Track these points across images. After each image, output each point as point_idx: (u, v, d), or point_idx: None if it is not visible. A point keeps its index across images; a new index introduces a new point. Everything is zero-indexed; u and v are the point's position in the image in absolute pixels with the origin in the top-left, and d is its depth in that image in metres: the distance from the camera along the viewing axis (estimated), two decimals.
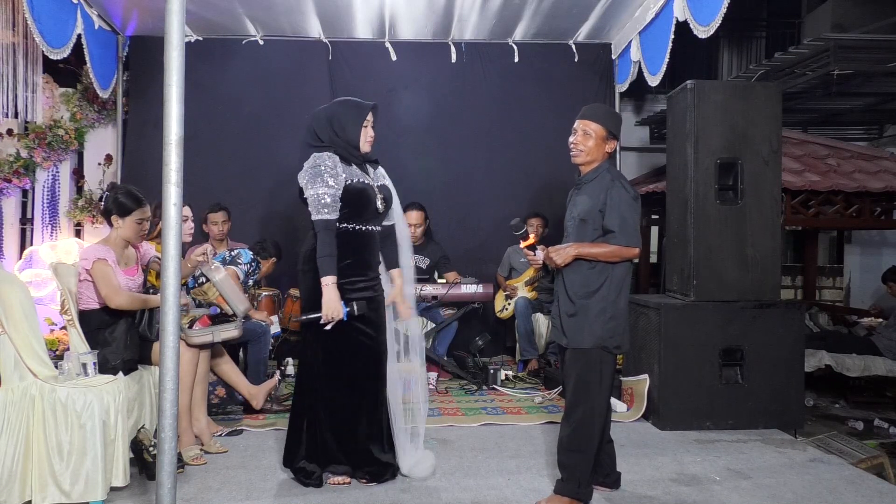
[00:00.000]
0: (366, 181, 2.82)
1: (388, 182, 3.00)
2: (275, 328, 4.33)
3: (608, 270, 2.62)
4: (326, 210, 2.70)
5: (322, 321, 2.69)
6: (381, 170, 3.01)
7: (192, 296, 3.34)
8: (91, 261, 2.98)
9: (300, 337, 3.15)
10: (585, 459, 2.61)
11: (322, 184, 2.70)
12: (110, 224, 3.12)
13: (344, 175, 2.76)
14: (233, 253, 4.05)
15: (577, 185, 2.77)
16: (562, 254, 2.61)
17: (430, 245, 5.10)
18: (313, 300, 2.75)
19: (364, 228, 2.82)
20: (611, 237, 2.60)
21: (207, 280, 3.28)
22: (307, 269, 2.80)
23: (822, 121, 7.78)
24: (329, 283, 2.67)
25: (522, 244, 2.80)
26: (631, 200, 2.62)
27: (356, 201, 2.77)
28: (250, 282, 4.05)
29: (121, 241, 3.13)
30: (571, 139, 2.74)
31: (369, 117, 2.84)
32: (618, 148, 5.55)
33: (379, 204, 2.84)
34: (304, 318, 2.80)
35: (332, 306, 2.67)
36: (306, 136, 2.85)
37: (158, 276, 3.17)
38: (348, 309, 2.70)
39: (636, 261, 8.05)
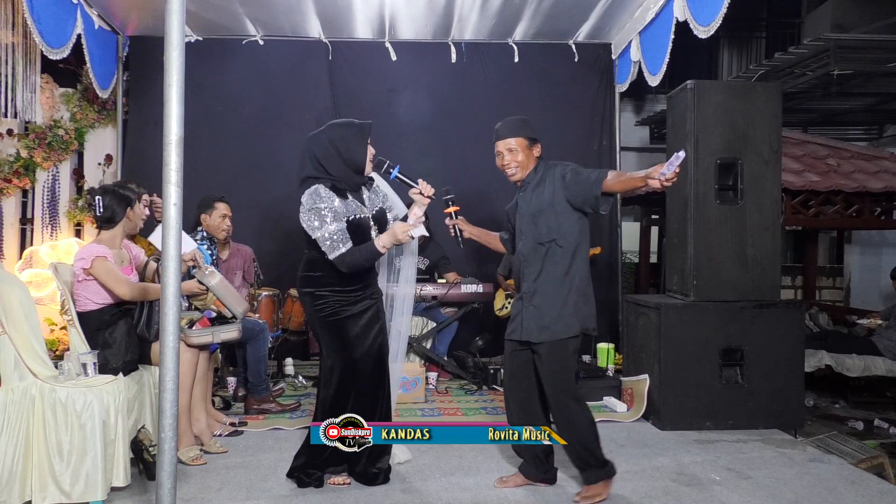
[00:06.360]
0: (361, 215, 2.78)
1: (388, 191, 3.00)
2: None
3: (576, 259, 2.71)
4: (341, 245, 2.67)
5: (411, 233, 2.72)
6: (377, 185, 2.97)
7: (191, 303, 3.32)
8: (90, 260, 2.95)
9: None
10: (593, 441, 2.67)
11: (328, 221, 2.67)
12: (110, 225, 3.09)
13: (343, 209, 2.72)
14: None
15: (521, 188, 2.82)
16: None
17: (430, 245, 5.08)
18: (311, 321, 2.85)
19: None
20: (599, 171, 2.62)
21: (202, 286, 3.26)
22: (304, 293, 2.82)
23: (822, 121, 7.78)
24: (383, 240, 2.71)
25: (445, 210, 2.86)
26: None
27: (353, 236, 2.72)
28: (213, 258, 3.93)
29: (115, 241, 3.11)
30: (500, 163, 2.80)
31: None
32: (618, 148, 5.72)
33: (373, 234, 2.80)
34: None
35: (402, 228, 2.71)
36: (304, 165, 2.78)
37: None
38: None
39: (636, 260, 8.13)
